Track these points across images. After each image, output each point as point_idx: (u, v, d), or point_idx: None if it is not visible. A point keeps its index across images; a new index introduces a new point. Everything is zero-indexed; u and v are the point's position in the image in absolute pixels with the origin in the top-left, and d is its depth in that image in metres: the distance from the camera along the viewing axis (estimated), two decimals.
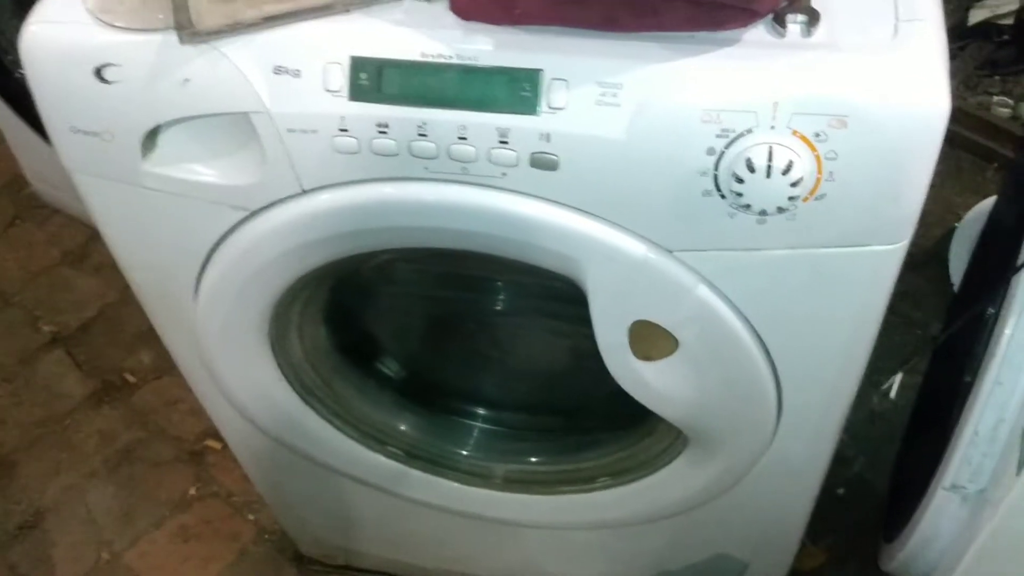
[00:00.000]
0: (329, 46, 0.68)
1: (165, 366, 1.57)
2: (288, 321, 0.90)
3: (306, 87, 0.68)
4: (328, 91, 0.68)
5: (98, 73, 0.69)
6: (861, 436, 1.39)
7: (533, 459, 1.07)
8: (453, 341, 1.09)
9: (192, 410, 1.51)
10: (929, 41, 0.63)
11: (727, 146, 0.64)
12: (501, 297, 1.02)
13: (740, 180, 0.64)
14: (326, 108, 0.68)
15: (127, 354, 1.63)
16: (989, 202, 1.55)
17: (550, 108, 0.65)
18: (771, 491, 0.97)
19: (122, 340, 1.64)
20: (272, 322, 0.87)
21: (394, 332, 1.08)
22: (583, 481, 1.03)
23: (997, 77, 1.82)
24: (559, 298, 0.86)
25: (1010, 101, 1.78)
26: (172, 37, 0.67)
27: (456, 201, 0.71)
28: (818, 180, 0.64)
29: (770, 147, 0.63)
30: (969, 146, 1.76)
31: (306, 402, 0.98)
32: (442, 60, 0.66)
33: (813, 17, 0.64)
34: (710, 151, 0.64)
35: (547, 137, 0.66)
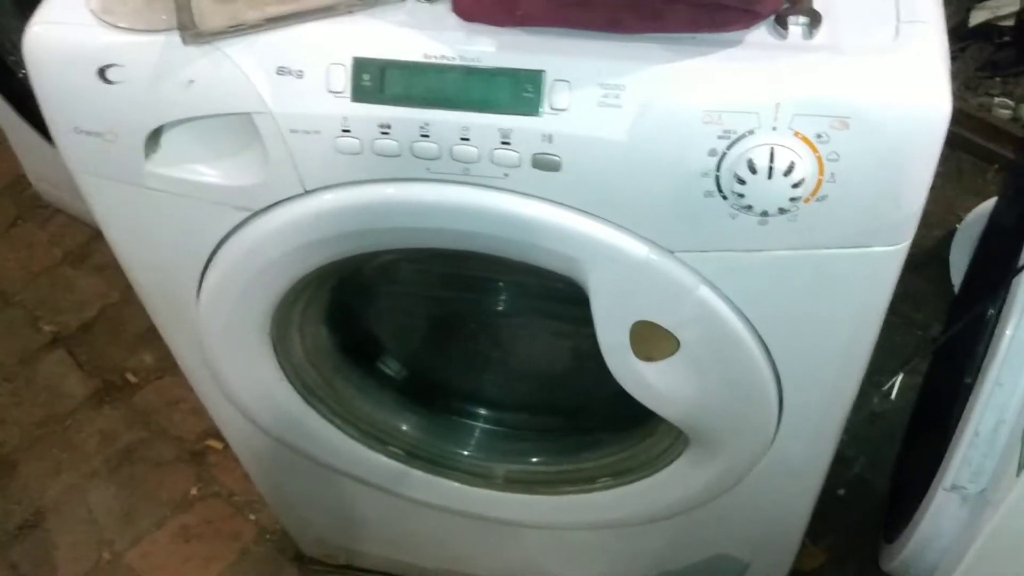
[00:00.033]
0: (332, 47, 0.68)
1: (166, 366, 1.58)
2: (289, 321, 0.91)
3: (309, 88, 0.68)
4: (331, 92, 0.68)
5: (101, 74, 0.70)
6: (861, 436, 1.39)
7: (534, 459, 1.07)
8: (454, 341, 1.09)
9: (193, 410, 1.51)
10: (930, 43, 0.63)
11: (729, 147, 0.64)
12: (503, 297, 1.02)
13: (742, 181, 0.64)
14: (329, 109, 0.68)
15: (128, 354, 1.63)
16: (989, 204, 1.55)
17: (552, 109, 0.66)
18: (772, 491, 0.97)
19: (123, 340, 1.64)
20: (274, 322, 0.88)
21: (395, 332, 1.08)
22: (584, 481, 1.03)
23: (998, 79, 1.82)
24: (560, 298, 0.86)
25: (1011, 103, 1.78)
26: (175, 38, 0.67)
27: (458, 202, 0.72)
28: (819, 181, 0.64)
29: (772, 148, 0.63)
30: (970, 148, 1.76)
31: (307, 402, 0.99)
32: (445, 61, 0.66)
33: (815, 19, 0.64)
34: (712, 152, 0.65)
35: (549, 138, 0.66)
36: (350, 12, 0.68)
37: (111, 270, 1.70)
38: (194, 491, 1.48)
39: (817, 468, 0.96)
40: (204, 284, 0.84)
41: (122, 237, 0.85)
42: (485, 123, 0.67)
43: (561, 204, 0.70)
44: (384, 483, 1.08)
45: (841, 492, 1.38)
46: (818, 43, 0.64)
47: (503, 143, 0.67)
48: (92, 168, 0.77)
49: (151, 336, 1.09)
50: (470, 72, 0.66)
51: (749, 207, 0.66)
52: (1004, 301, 0.88)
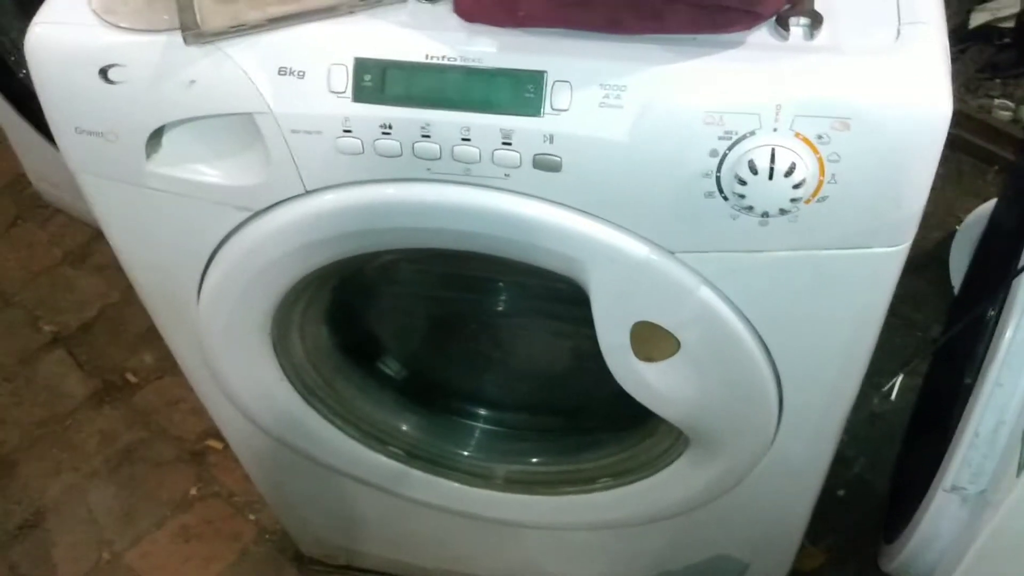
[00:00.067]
0: (333, 47, 0.68)
1: (166, 366, 1.58)
2: (290, 321, 0.91)
3: (310, 88, 0.68)
4: (332, 92, 0.68)
5: (103, 73, 0.70)
6: (861, 437, 1.39)
7: (534, 459, 1.07)
8: (455, 341, 1.09)
9: (193, 410, 1.51)
10: (931, 44, 0.63)
11: (730, 148, 0.64)
12: (503, 298, 1.02)
13: (743, 182, 0.64)
14: (330, 109, 0.68)
15: (128, 354, 1.63)
16: (989, 205, 1.55)
17: (553, 110, 0.66)
18: (772, 492, 0.97)
19: (123, 340, 1.65)
20: (274, 322, 0.88)
21: (396, 332, 1.08)
22: (584, 482, 1.03)
23: (998, 80, 1.82)
24: (561, 299, 0.86)
25: (1011, 104, 1.78)
26: (177, 38, 0.68)
27: (459, 202, 0.72)
28: (820, 182, 0.64)
29: (773, 149, 0.63)
30: (970, 149, 1.76)
31: (308, 402, 0.99)
32: (446, 62, 0.66)
33: (816, 20, 0.64)
34: (713, 153, 0.65)
35: (550, 138, 0.67)
36: (351, 12, 0.68)
37: (111, 270, 1.71)
38: (194, 491, 1.48)
39: (817, 468, 0.96)
40: (205, 284, 0.84)
41: (123, 237, 0.85)
42: (486, 123, 0.67)
43: (562, 204, 0.70)
44: (384, 483, 1.08)
45: (841, 493, 1.38)
46: (819, 44, 0.64)
47: (504, 143, 0.67)
48: (93, 168, 0.77)
49: (151, 336, 1.09)
50: (471, 72, 0.66)
51: (750, 208, 0.66)
52: (1004, 302, 0.88)
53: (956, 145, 1.73)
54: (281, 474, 1.17)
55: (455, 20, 0.66)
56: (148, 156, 0.74)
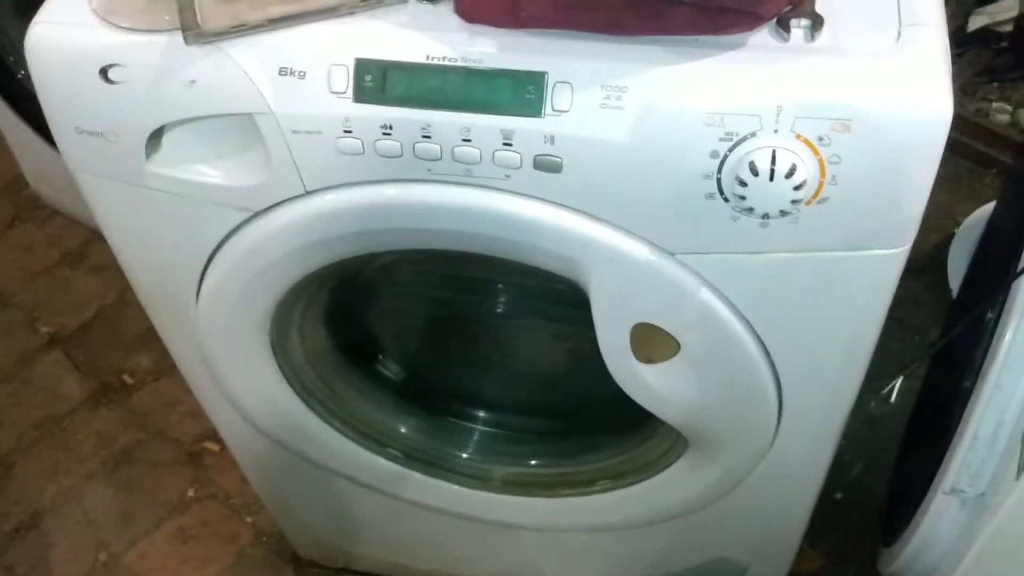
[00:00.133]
0: (334, 48, 0.68)
1: (163, 368, 1.58)
2: (289, 322, 0.91)
3: (311, 89, 0.68)
4: (333, 93, 0.68)
5: (103, 73, 0.70)
6: (860, 441, 1.39)
7: (533, 462, 1.07)
8: (454, 343, 1.09)
9: (190, 412, 1.51)
10: (932, 46, 0.63)
11: (730, 149, 0.64)
12: (502, 299, 1.02)
13: (743, 183, 0.64)
14: (330, 109, 0.68)
15: (126, 356, 1.63)
16: (988, 208, 1.56)
17: (554, 111, 0.66)
18: (771, 494, 0.97)
19: (121, 342, 1.64)
20: (273, 323, 0.88)
21: (395, 334, 1.08)
22: (583, 484, 1.03)
23: (996, 84, 1.82)
24: (560, 301, 0.86)
25: (1009, 107, 1.79)
26: (177, 38, 0.67)
27: (459, 203, 0.72)
28: (821, 184, 0.65)
29: (773, 151, 0.63)
30: (968, 152, 1.76)
31: (306, 403, 0.98)
32: (447, 62, 0.66)
33: (817, 21, 0.64)
34: (713, 154, 0.65)
35: (551, 139, 0.67)
36: (352, 13, 0.68)
37: (109, 271, 1.71)
38: (191, 493, 1.48)
39: (816, 471, 0.96)
40: (204, 285, 0.84)
41: (122, 237, 0.85)
42: (487, 124, 0.67)
43: (562, 205, 0.70)
44: (382, 485, 1.08)
45: (839, 496, 1.38)
46: (820, 46, 0.64)
47: (505, 144, 0.67)
48: (93, 168, 0.77)
49: (148, 338, 1.09)
50: (472, 73, 0.66)
51: (750, 209, 0.66)
52: (1003, 305, 0.88)
53: (954, 148, 1.73)
54: (279, 476, 1.17)
55: (456, 21, 0.66)
56: (148, 156, 0.74)
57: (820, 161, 0.64)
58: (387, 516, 1.17)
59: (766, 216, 0.66)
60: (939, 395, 1.11)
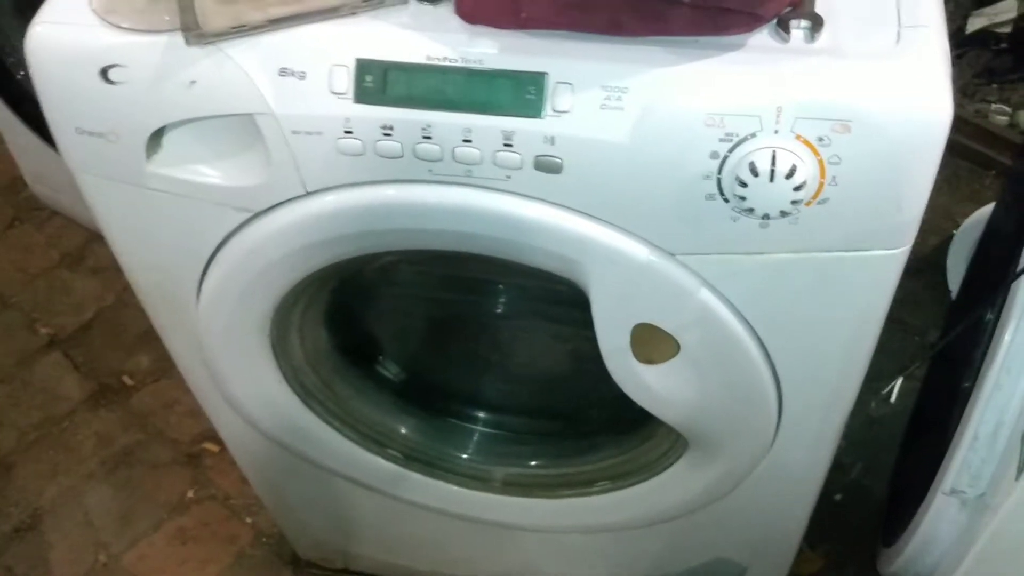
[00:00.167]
0: (335, 48, 0.68)
1: (163, 368, 1.58)
2: (289, 323, 0.91)
3: (311, 89, 0.68)
4: (333, 93, 0.68)
5: (103, 74, 0.70)
6: (859, 442, 1.39)
7: (532, 463, 1.07)
8: (454, 344, 1.09)
9: (190, 412, 1.51)
10: (932, 47, 0.63)
11: (731, 150, 0.64)
12: (502, 300, 1.02)
13: (743, 184, 0.64)
14: (331, 110, 0.68)
15: (125, 356, 1.63)
16: (987, 209, 1.56)
17: (555, 111, 0.66)
18: (770, 495, 0.98)
19: (120, 342, 1.64)
20: (273, 323, 0.88)
21: (395, 334, 1.08)
22: (582, 485, 1.03)
23: (995, 85, 1.82)
24: (560, 301, 0.86)
25: (1007, 109, 1.79)
26: (178, 38, 0.67)
27: (460, 203, 0.72)
28: (821, 184, 0.65)
29: (773, 151, 0.63)
30: (967, 154, 1.76)
31: (306, 404, 0.98)
32: (447, 63, 0.66)
33: (816, 22, 0.64)
34: (714, 155, 0.65)
35: (551, 140, 0.67)
36: (353, 14, 0.68)
37: (108, 272, 1.71)
38: (190, 494, 1.48)
39: (816, 472, 0.96)
40: (204, 285, 0.84)
41: (123, 238, 0.85)
42: (487, 125, 0.67)
43: (562, 206, 0.70)
44: (382, 486, 1.08)
45: (838, 497, 1.39)
46: (820, 47, 0.64)
47: (505, 145, 0.67)
48: (93, 168, 0.77)
49: (148, 338, 1.09)
50: (472, 74, 0.66)
51: (750, 210, 0.66)
52: (1003, 305, 0.88)
53: (953, 150, 1.71)
54: (278, 476, 1.17)
55: (456, 22, 0.66)
56: (148, 157, 0.74)
57: (820, 162, 0.64)
58: (387, 517, 1.17)
59: (766, 217, 0.66)
60: (939, 396, 1.11)
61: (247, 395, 0.96)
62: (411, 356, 1.09)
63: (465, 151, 0.68)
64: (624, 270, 0.73)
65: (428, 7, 0.68)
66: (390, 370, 1.08)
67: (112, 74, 0.69)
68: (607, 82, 0.65)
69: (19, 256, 1.79)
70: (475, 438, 1.09)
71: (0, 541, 1.44)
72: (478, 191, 0.71)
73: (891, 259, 0.71)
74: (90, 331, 1.67)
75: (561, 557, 1.20)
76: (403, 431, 1.06)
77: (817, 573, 1.34)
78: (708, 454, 0.90)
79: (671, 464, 0.94)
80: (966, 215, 1.66)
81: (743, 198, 0.65)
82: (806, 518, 1.06)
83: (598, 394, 0.88)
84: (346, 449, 1.03)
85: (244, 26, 0.67)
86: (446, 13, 0.67)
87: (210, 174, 0.75)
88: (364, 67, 0.67)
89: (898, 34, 0.64)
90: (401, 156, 0.70)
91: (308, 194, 0.74)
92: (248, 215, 0.77)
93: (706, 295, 0.74)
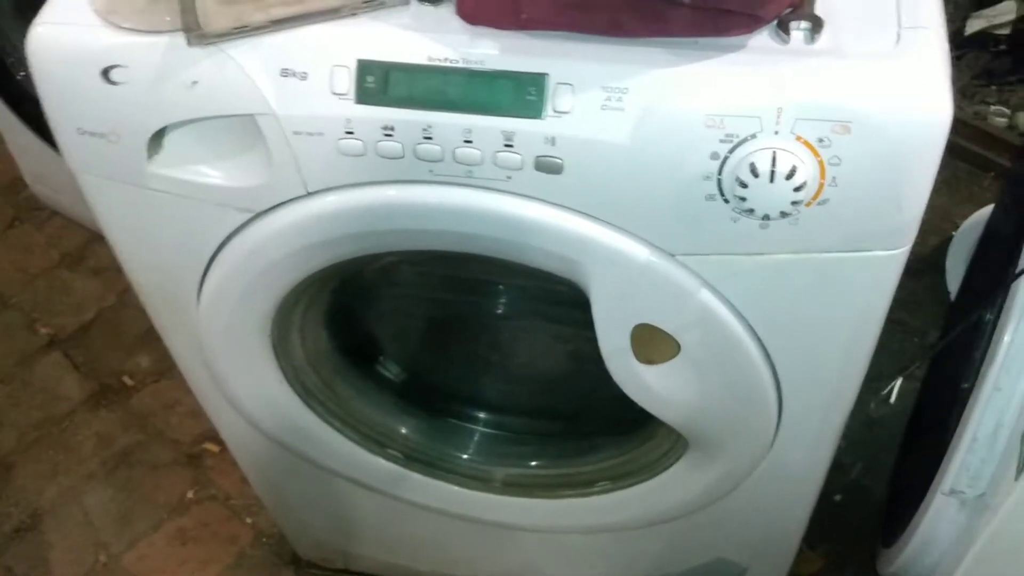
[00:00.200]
0: (336, 49, 0.68)
1: (163, 369, 1.58)
2: (290, 323, 0.91)
3: (313, 90, 0.68)
4: (334, 94, 0.68)
5: (105, 74, 0.70)
6: (859, 442, 1.39)
7: (533, 463, 1.07)
8: (454, 344, 1.09)
9: (190, 413, 1.51)
10: (931, 48, 0.64)
11: (731, 151, 0.64)
12: (503, 300, 1.02)
13: (744, 185, 0.64)
14: (332, 111, 0.68)
15: (125, 357, 1.63)
16: (986, 211, 1.56)
17: (555, 112, 0.66)
18: (770, 495, 0.98)
19: (120, 343, 1.64)
20: (274, 324, 0.88)
21: (396, 335, 1.08)
22: (583, 485, 1.03)
23: (994, 87, 1.82)
24: (561, 302, 0.86)
25: (1006, 111, 1.79)
26: (179, 39, 0.68)
27: (460, 204, 0.72)
28: (821, 185, 0.65)
29: (774, 152, 0.63)
30: (966, 156, 1.76)
31: (307, 404, 0.99)
32: (448, 64, 0.67)
33: (817, 24, 0.64)
34: (714, 156, 0.65)
35: (552, 141, 0.67)
36: (354, 14, 0.68)
37: (108, 273, 1.71)
38: (191, 494, 1.48)
39: (816, 472, 0.96)
40: (205, 285, 0.84)
41: (123, 238, 0.85)
42: (488, 125, 0.67)
43: (563, 207, 0.71)
44: (382, 486, 1.08)
45: (838, 498, 1.39)
46: (820, 48, 0.64)
47: (506, 145, 0.68)
48: (94, 169, 0.77)
49: (148, 339, 1.09)
50: (473, 75, 0.66)
51: (751, 211, 0.66)
52: (1002, 306, 0.88)
53: (952, 151, 1.71)
54: (279, 477, 1.17)
55: (457, 22, 0.66)
56: (150, 157, 0.74)
57: (820, 163, 0.64)
58: (387, 517, 1.17)
59: (766, 217, 0.66)
60: (938, 396, 1.11)
61: (248, 395, 0.96)
62: (412, 356, 1.09)
63: (466, 152, 0.68)
64: (624, 270, 0.73)
65: (429, 8, 0.68)
66: (391, 370, 1.08)
67: (113, 74, 0.70)
68: (608, 83, 0.65)
69: (19, 256, 1.79)
70: (475, 438, 1.09)
71: (0, 541, 1.44)
72: (479, 192, 0.71)
73: (891, 260, 0.71)
74: (90, 331, 1.67)
75: (561, 557, 1.20)
76: (404, 431, 1.06)
77: (817, 573, 1.34)
78: (708, 454, 0.90)
79: (671, 465, 0.94)
80: (965, 216, 1.66)
81: (743, 199, 0.65)
82: (806, 518, 1.06)
83: (598, 394, 0.88)
84: (347, 449, 1.03)
85: (245, 27, 0.67)
86: (447, 14, 0.67)
87: (211, 174, 0.75)
88: (365, 68, 0.67)
89: (898, 35, 0.64)
90: (402, 157, 0.70)
91: (309, 194, 0.74)
92: (249, 215, 0.77)
93: (706, 295, 0.74)
